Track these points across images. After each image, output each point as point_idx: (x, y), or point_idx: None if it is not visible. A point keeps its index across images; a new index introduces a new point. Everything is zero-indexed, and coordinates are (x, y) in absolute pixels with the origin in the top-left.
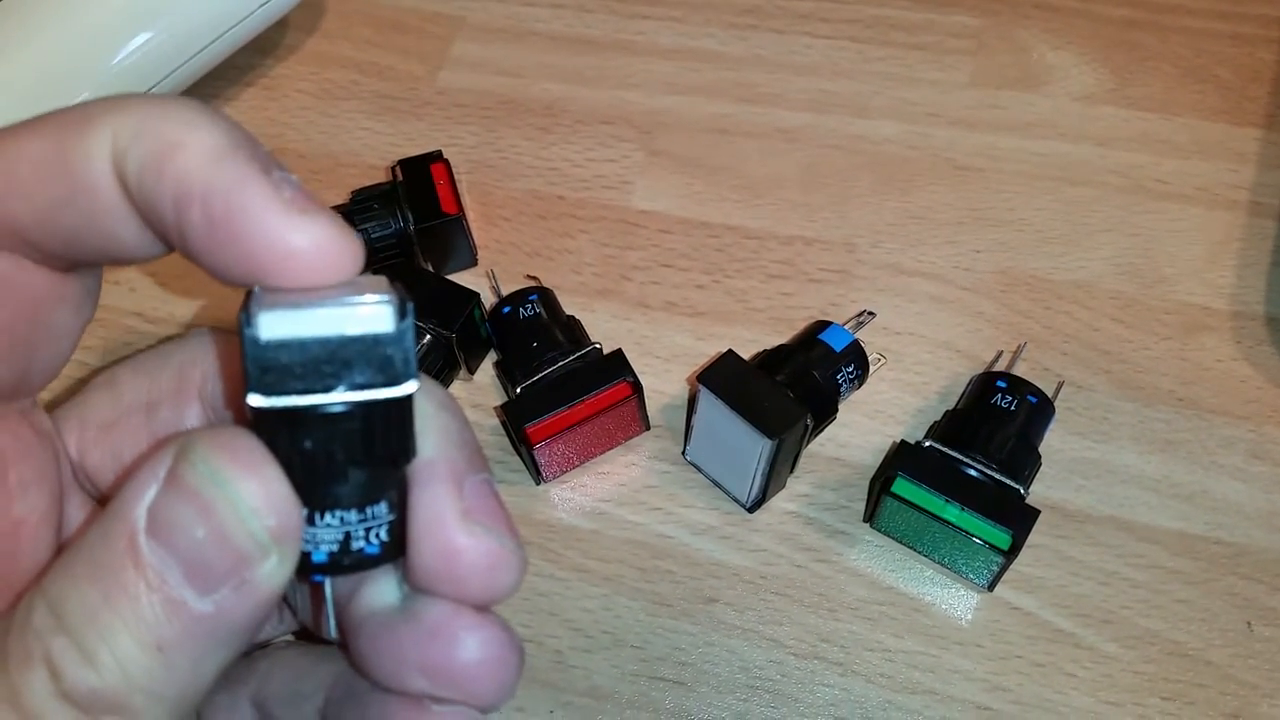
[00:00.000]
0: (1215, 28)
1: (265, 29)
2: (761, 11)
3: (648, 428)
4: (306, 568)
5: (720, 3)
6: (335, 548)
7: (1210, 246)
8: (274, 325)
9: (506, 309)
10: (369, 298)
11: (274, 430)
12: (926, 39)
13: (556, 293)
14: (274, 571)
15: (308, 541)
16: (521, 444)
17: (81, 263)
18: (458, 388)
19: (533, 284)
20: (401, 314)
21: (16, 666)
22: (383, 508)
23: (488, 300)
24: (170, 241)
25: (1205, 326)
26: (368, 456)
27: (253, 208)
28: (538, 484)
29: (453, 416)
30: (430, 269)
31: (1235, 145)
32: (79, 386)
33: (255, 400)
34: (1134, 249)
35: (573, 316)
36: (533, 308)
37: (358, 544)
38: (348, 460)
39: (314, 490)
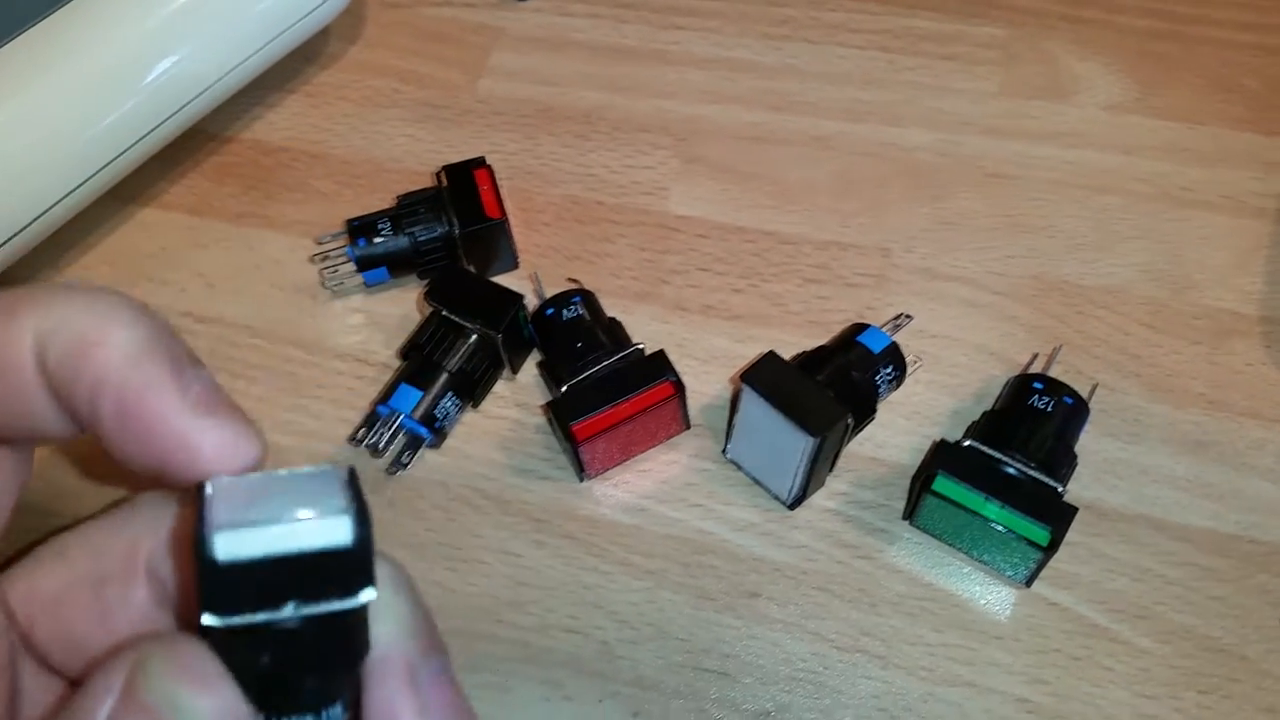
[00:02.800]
0: (1241, 38)
1: (308, 39)
2: (795, 22)
3: (688, 426)
4: None
5: (754, 13)
6: None
7: (1238, 253)
8: (231, 546)
9: (550, 311)
10: (328, 505)
11: (228, 646)
12: (956, 49)
13: (597, 296)
14: None
15: None
16: (567, 441)
17: (1, 440)
18: (502, 387)
19: (574, 286)
20: (361, 521)
21: None
22: (338, 710)
23: (530, 303)
24: (84, 426)
25: (1235, 331)
26: (323, 665)
27: (160, 407)
28: (581, 480)
29: (406, 599)
30: (472, 271)
31: (1262, 154)
32: None
33: (210, 620)
34: (1163, 256)
35: (614, 318)
36: (575, 309)
37: None
38: (303, 670)
39: (269, 699)
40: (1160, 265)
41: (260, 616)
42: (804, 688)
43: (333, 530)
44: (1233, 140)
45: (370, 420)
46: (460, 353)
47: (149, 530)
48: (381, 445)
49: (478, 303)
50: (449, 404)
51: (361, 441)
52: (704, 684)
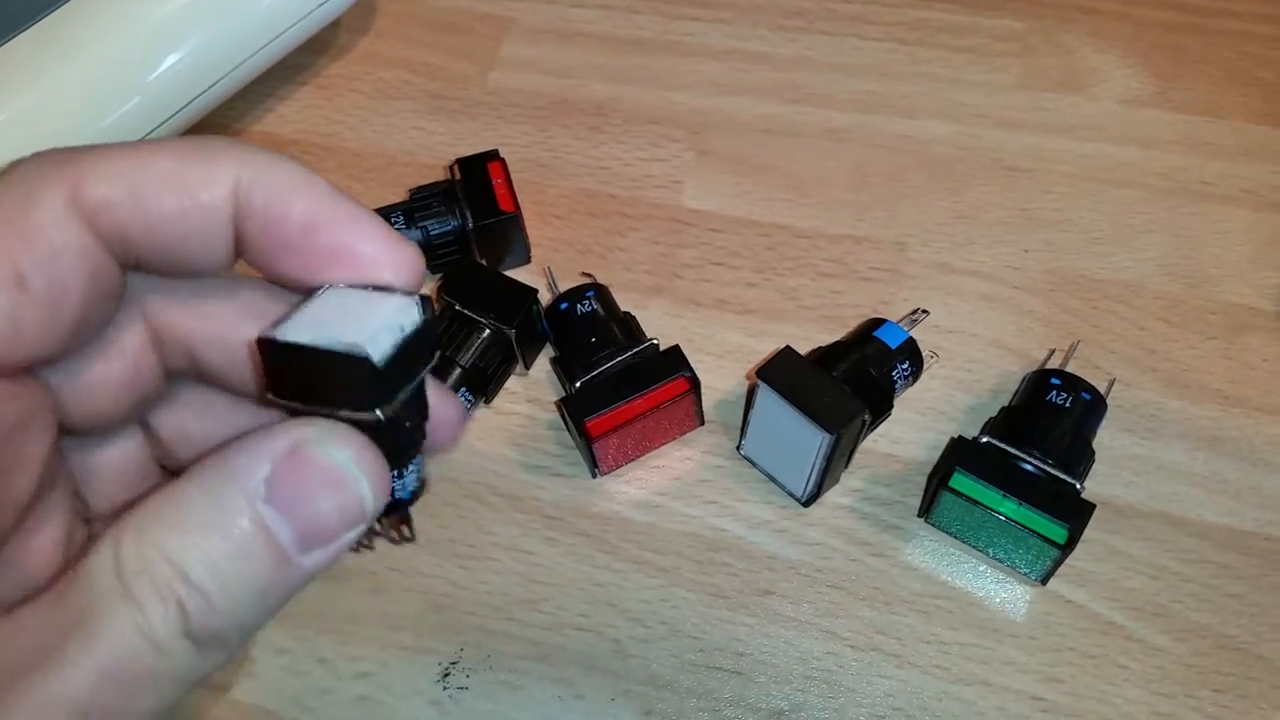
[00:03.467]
0: (1259, 30)
1: (319, 31)
2: (810, 14)
3: (702, 423)
4: (397, 506)
5: (768, 5)
6: (416, 484)
7: (1255, 248)
8: (380, 347)
9: (564, 305)
10: (409, 302)
11: (375, 429)
12: (972, 41)
13: (610, 290)
14: (360, 533)
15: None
16: (581, 437)
17: (153, 268)
18: (514, 382)
19: (588, 281)
20: (427, 308)
21: (148, 603)
22: (420, 458)
23: (543, 297)
24: (250, 256)
25: (1251, 326)
26: (418, 419)
27: (370, 231)
28: (594, 476)
29: None
30: (485, 265)
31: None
32: None
33: (378, 413)
34: (1179, 250)
35: (628, 313)
36: (590, 304)
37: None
38: (411, 430)
39: (399, 458)
40: (1177, 260)
41: (401, 395)
42: (818, 686)
43: (416, 317)
44: (1251, 133)
45: None
46: (474, 349)
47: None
48: None
49: (491, 298)
50: (462, 400)
51: None
52: (717, 683)
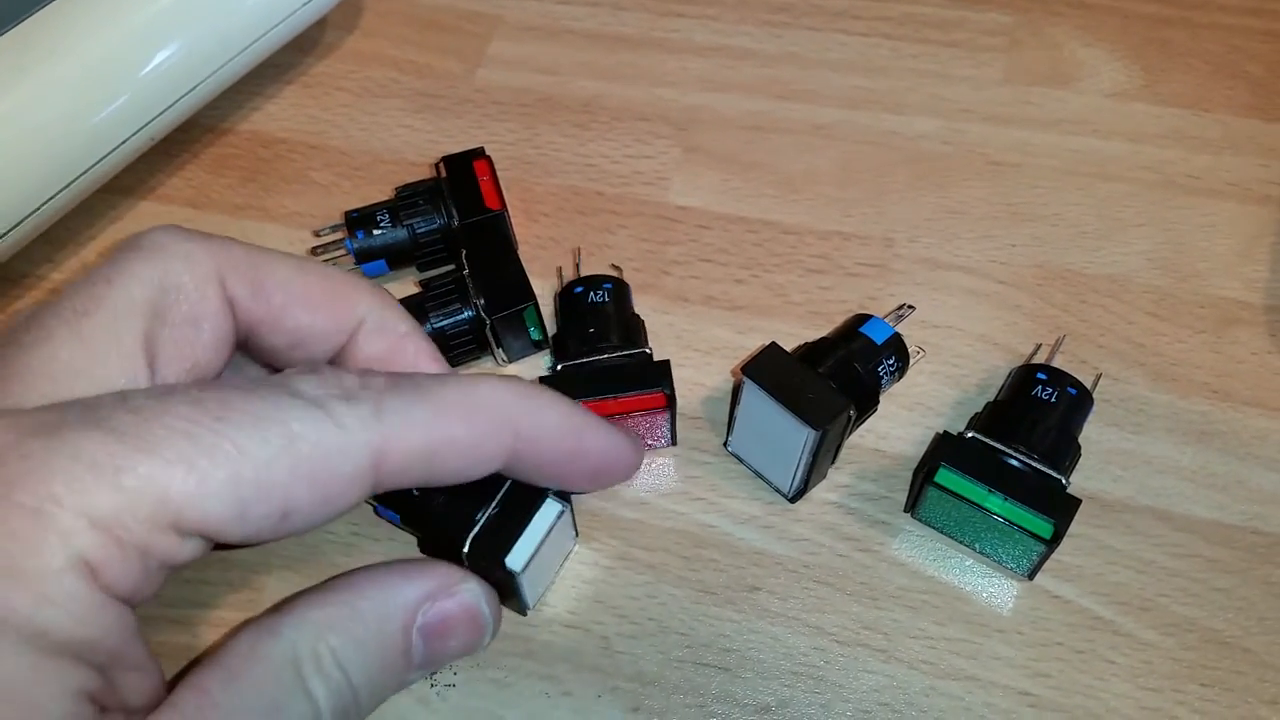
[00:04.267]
0: (1247, 24)
1: (305, 29)
2: (795, 9)
3: (674, 443)
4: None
5: (753, 0)
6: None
7: (1243, 241)
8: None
9: (578, 289)
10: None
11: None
12: (959, 36)
13: (630, 289)
14: None
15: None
16: None
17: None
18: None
19: (614, 274)
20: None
21: (319, 696)
22: None
23: (569, 273)
24: (512, 467)
25: (1239, 320)
26: None
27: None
28: None
29: None
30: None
31: (1267, 141)
32: None
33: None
34: (1167, 244)
35: (639, 317)
36: (602, 295)
37: None
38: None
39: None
40: (1164, 253)
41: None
42: (805, 682)
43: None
44: (1238, 127)
45: None
46: (450, 317)
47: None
48: None
49: (495, 282)
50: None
51: None
52: (704, 679)
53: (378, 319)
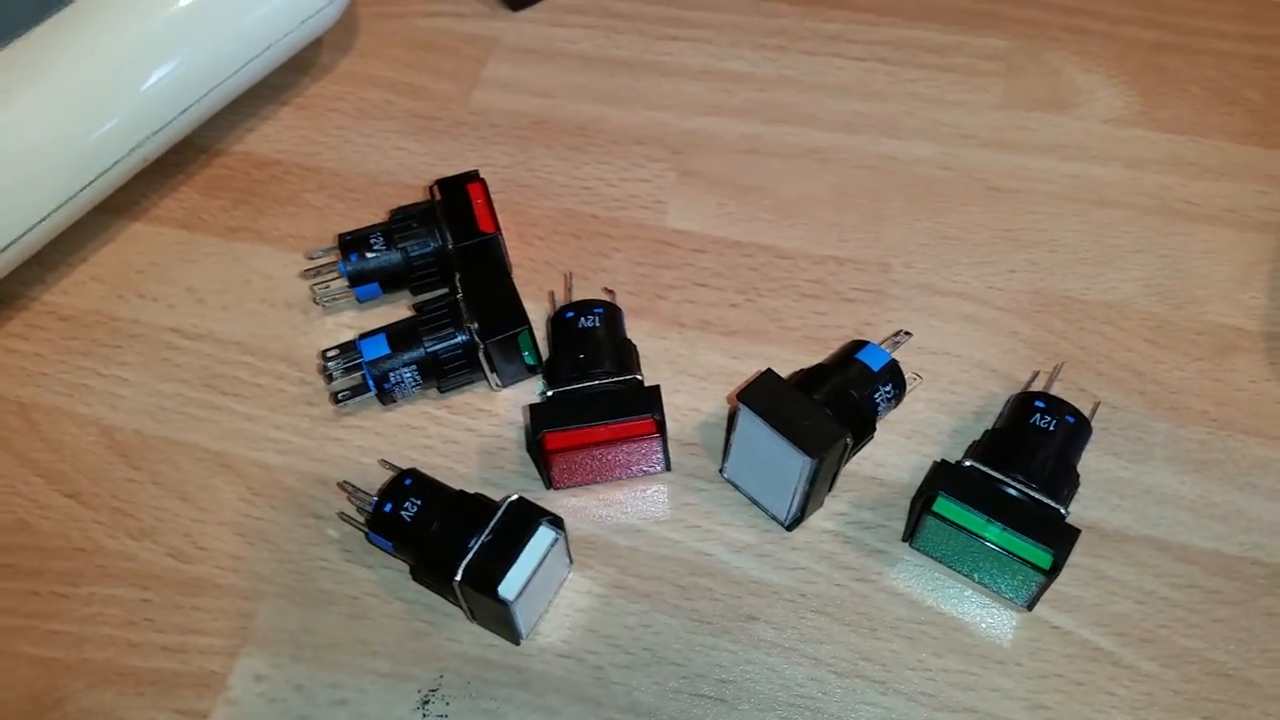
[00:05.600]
0: (1244, 50)
1: (300, 50)
2: (790, 33)
3: (669, 468)
4: None
5: (749, 25)
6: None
7: (1241, 268)
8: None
9: (569, 314)
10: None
11: None
12: (956, 60)
13: (622, 314)
14: None
15: None
16: (536, 445)
17: None
18: (498, 402)
19: (606, 298)
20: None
21: None
22: None
23: (560, 298)
24: None
25: (1237, 348)
26: None
27: None
28: (547, 488)
29: None
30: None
31: (1265, 167)
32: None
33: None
34: (1165, 270)
35: (631, 342)
36: (594, 320)
37: None
38: None
39: None
40: (1163, 280)
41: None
42: (802, 714)
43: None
44: (1236, 153)
45: (347, 346)
46: (444, 341)
47: None
48: (335, 374)
49: (490, 306)
50: (408, 376)
51: (328, 359)
52: (700, 710)
53: None
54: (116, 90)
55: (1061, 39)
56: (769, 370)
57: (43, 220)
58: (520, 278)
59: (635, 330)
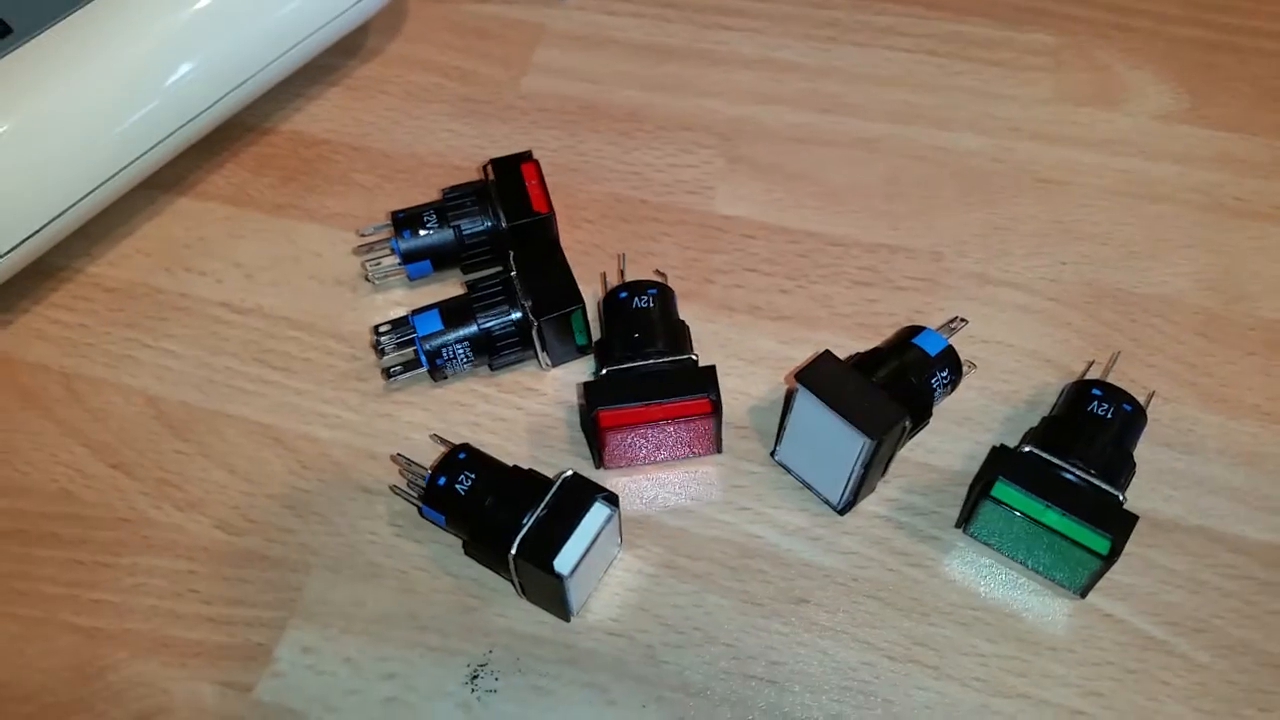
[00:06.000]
0: None
1: (348, 33)
2: (841, 25)
3: (720, 450)
4: None
5: (800, 15)
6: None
7: None
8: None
9: (623, 294)
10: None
11: None
12: (1005, 55)
13: (675, 295)
14: None
15: None
16: (591, 423)
17: None
18: (548, 382)
19: (658, 279)
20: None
21: None
22: None
23: (612, 279)
24: None
25: None
26: None
27: None
28: (596, 467)
29: None
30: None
31: None
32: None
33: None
34: (1216, 265)
35: (685, 323)
36: (647, 300)
37: None
38: None
39: None
40: (1214, 275)
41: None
42: (854, 697)
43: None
44: None
45: (399, 322)
46: (498, 318)
47: None
48: (387, 349)
49: (544, 285)
50: (460, 352)
51: (381, 334)
52: (751, 692)
53: None
54: (162, 70)
55: (1109, 36)
56: (827, 351)
57: (89, 194)
58: (569, 260)
59: (685, 314)
